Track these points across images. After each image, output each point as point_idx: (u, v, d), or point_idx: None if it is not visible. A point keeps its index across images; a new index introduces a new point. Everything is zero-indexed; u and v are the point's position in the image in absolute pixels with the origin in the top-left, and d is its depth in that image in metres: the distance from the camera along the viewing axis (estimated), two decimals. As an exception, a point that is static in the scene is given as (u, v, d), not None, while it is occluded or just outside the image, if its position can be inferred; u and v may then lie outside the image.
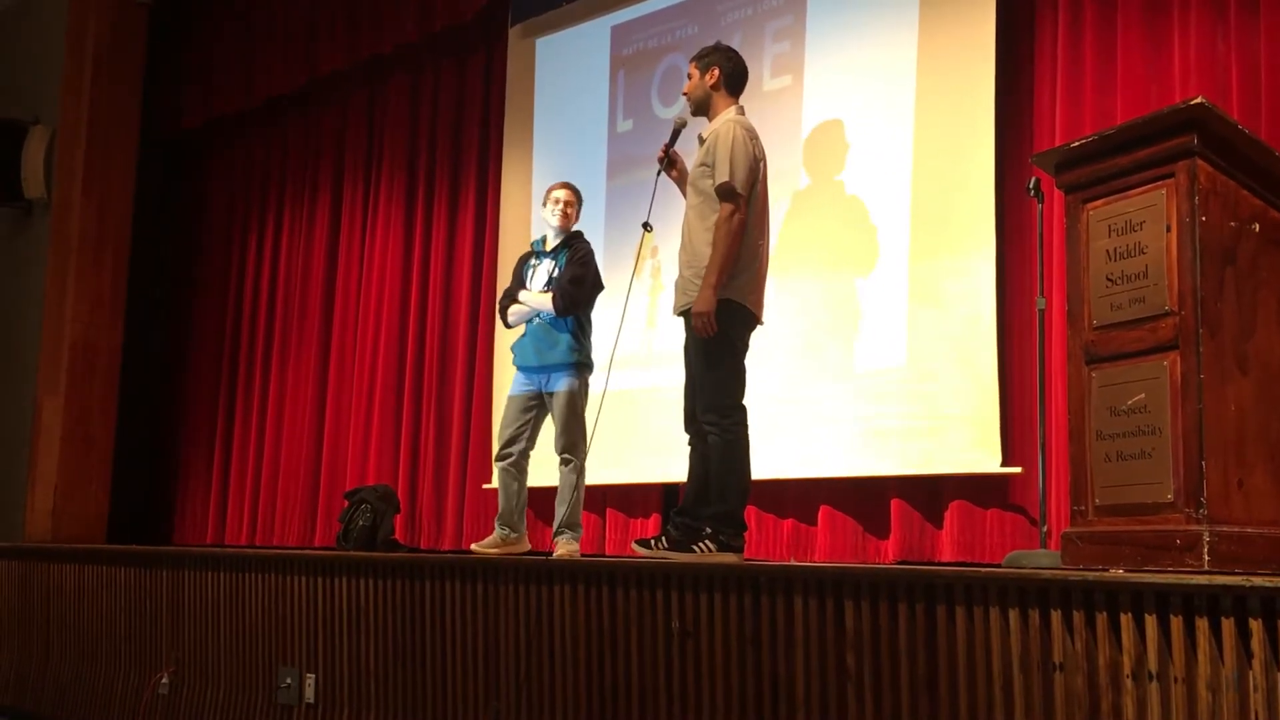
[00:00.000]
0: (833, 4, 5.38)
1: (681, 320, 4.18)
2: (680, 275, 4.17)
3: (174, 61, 8.66)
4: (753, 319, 4.11)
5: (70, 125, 8.26)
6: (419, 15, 6.96)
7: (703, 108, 4.25)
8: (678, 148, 4.38)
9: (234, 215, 8.48)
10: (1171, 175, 2.80)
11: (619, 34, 6.26)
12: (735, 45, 4.60)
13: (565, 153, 6.36)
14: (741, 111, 4.21)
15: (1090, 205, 2.99)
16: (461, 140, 7.04)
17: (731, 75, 4.22)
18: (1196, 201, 2.74)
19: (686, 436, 4.20)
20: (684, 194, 4.32)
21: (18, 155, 8.45)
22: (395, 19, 7.08)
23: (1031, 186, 4.09)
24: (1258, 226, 2.83)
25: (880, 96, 5.12)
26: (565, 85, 6.45)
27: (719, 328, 3.99)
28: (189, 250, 8.79)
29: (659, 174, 4.37)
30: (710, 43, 4.49)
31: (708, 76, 4.21)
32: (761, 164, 4.11)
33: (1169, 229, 2.78)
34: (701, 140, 4.17)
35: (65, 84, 8.33)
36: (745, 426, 4.04)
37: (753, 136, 4.10)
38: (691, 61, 4.30)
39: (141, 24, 8.52)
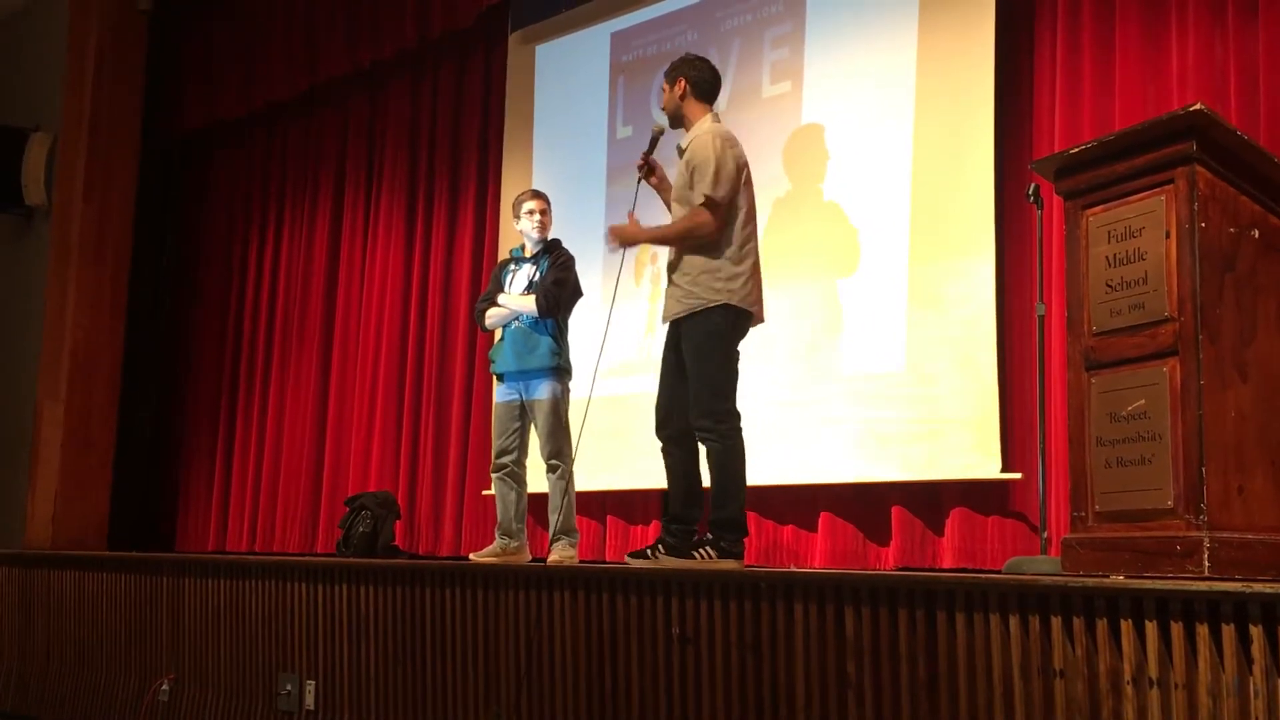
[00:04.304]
0: (832, 10, 5.38)
1: (667, 327, 4.21)
2: (671, 283, 4.18)
3: (175, 67, 8.67)
4: (749, 320, 4.12)
5: (71, 131, 8.27)
6: (418, 21, 6.97)
7: (678, 120, 4.28)
8: (657, 155, 4.42)
9: (235, 221, 8.49)
10: (1171, 181, 2.80)
11: (618, 41, 6.26)
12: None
13: (565, 159, 6.36)
14: (717, 118, 4.22)
15: (1090, 211, 3.00)
16: (461, 146, 7.04)
17: (699, 83, 4.23)
18: (1196, 207, 2.75)
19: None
20: (664, 201, 4.36)
21: (19, 161, 8.47)
22: (395, 24, 7.09)
23: (1031, 192, 4.10)
24: (1257, 232, 2.83)
25: (879, 102, 5.12)
26: (565, 91, 6.45)
27: (720, 337, 4.00)
28: (190, 255, 8.80)
29: (639, 182, 4.42)
30: (704, 53, 4.51)
31: (676, 89, 4.24)
32: (744, 170, 4.12)
33: (1168, 235, 2.79)
34: (681, 151, 4.19)
35: (66, 90, 8.35)
36: (740, 431, 4.05)
37: (731, 144, 4.11)
38: (664, 77, 4.34)
39: (142, 29, 8.53)
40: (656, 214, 4.48)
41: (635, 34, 6.18)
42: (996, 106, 4.77)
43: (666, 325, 4.21)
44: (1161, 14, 4.43)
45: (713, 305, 4.02)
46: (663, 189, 4.40)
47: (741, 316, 4.07)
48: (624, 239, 4.26)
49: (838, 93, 5.29)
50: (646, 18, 6.13)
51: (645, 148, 4.44)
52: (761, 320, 4.16)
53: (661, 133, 4.42)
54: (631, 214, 4.35)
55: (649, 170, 4.40)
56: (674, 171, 4.27)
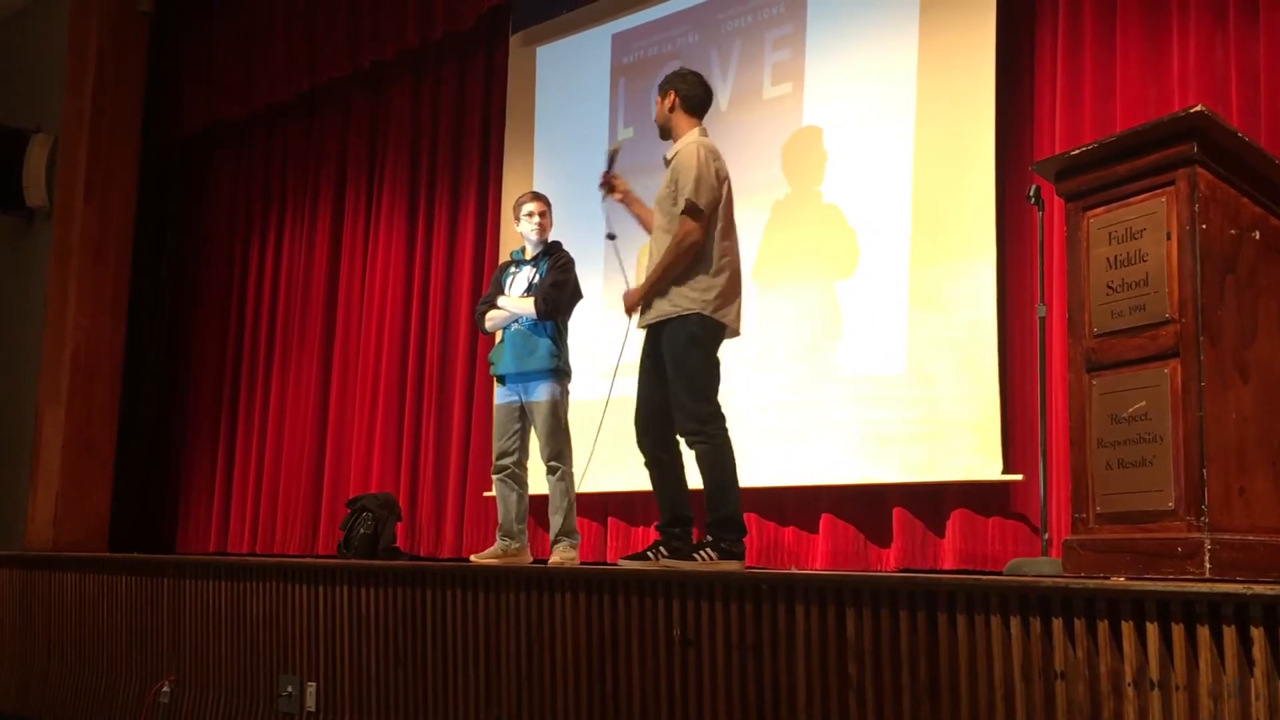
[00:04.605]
0: (833, 12, 5.39)
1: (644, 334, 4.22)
2: None
3: (175, 67, 8.68)
4: (722, 332, 4.13)
5: (72, 133, 8.28)
6: (419, 22, 6.97)
7: (666, 132, 4.32)
8: (623, 171, 4.52)
9: (236, 222, 8.49)
10: (1172, 183, 2.80)
11: (620, 42, 6.27)
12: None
13: (566, 160, 6.36)
14: (704, 133, 4.26)
15: (1091, 213, 3.00)
16: (462, 147, 7.04)
17: (689, 98, 4.27)
18: (1197, 209, 2.75)
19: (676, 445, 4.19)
20: (635, 215, 4.46)
21: (19, 163, 8.48)
22: (396, 25, 7.09)
23: (1031, 194, 4.10)
24: (1258, 234, 2.83)
25: (880, 103, 5.13)
26: (566, 93, 6.46)
27: (699, 342, 4.02)
28: (190, 256, 8.80)
29: (604, 199, 4.50)
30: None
31: (666, 101, 4.29)
32: (726, 183, 4.14)
33: (1169, 237, 2.79)
34: (667, 162, 4.22)
35: (67, 91, 8.36)
36: (726, 431, 4.06)
37: (715, 157, 4.15)
38: (657, 89, 4.38)
39: (143, 32, 8.54)
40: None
41: (636, 35, 6.18)
42: (997, 108, 4.78)
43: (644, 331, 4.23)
44: (1162, 15, 4.44)
45: (688, 313, 4.04)
46: (629, 202, 4.48)
47: (716, 327, 4.08)
48: (629, 304, 4.26)
49: (838, 94, 5.30)
50: (647, 19, 6.13)
51: (636, 156, 4.47)
52: (737, 334, 4.16)
53: (617, 151, 4.55)
54: (633, 286, 4.37)
55: (610, 188, 4.49)
56: (658, 182, 4.29)
